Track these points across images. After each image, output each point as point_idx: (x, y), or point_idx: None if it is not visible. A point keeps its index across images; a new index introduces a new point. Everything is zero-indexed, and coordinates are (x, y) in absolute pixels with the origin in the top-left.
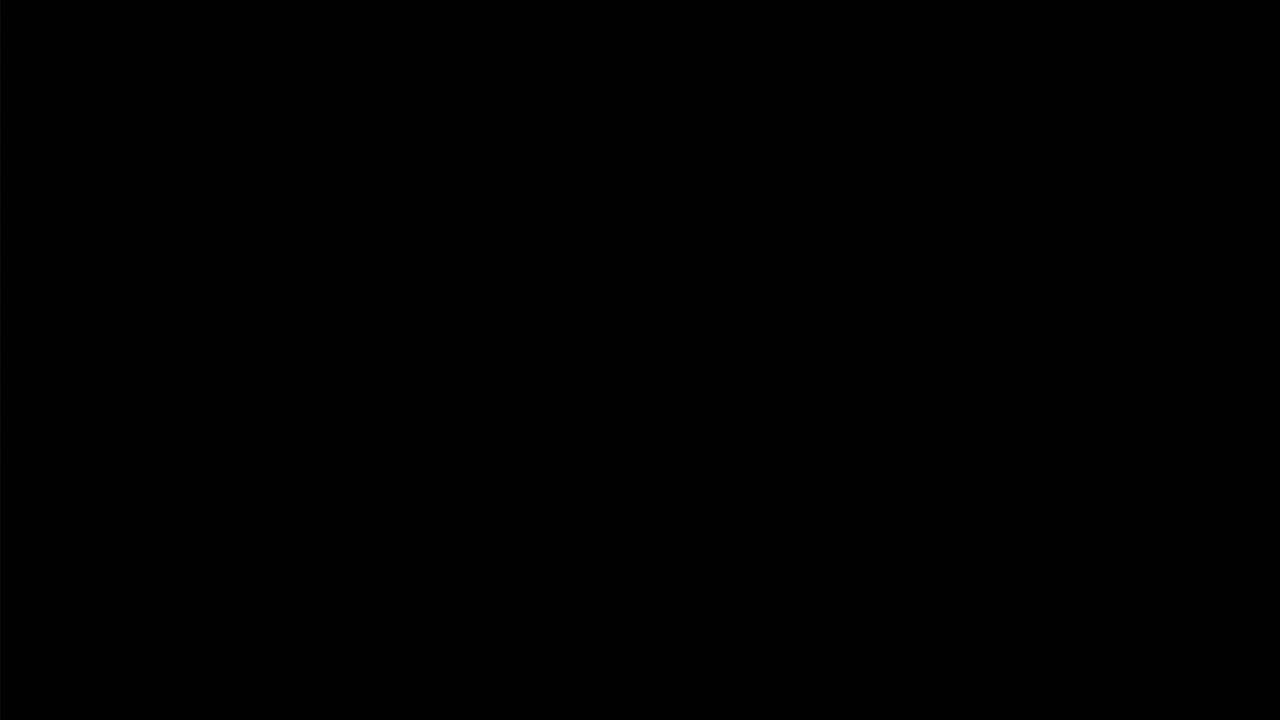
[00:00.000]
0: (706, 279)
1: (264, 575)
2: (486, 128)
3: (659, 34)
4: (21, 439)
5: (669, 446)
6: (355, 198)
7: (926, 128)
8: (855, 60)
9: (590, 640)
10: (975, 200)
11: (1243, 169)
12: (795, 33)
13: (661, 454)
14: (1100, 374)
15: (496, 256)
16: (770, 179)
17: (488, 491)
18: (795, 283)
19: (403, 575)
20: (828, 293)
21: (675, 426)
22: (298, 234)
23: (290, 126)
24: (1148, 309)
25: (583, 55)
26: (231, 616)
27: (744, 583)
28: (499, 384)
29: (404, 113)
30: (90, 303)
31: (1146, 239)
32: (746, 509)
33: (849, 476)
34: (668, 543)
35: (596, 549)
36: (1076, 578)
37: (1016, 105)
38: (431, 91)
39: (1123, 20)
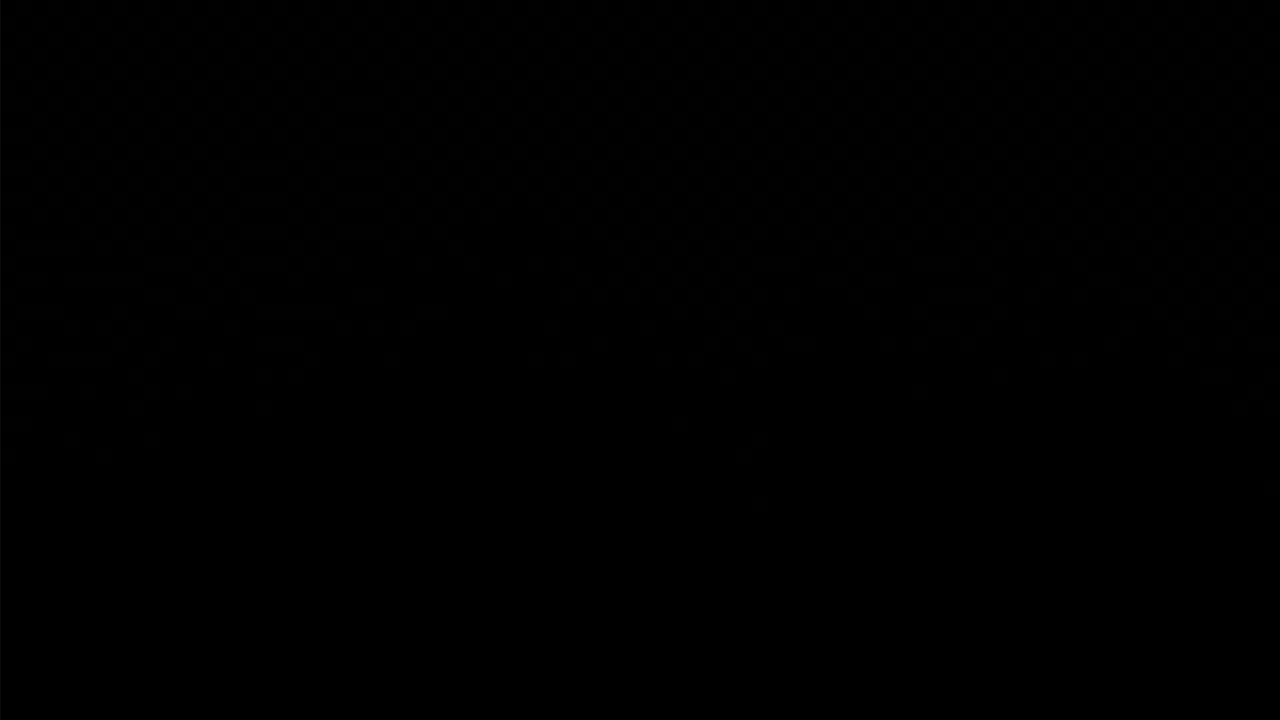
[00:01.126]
0: (706, 279)
1: (264, 575)
2: (486, 128)
3: (659, 34)
4: (21, 439)
5: (669, 446)
6: (355, 198)
7: (926, 128)
8: (855, 60)
9: (590, 640)
10: (975, 200)
11: (1243, 169)
12: (795, 32)
13: (661, 454)
14: (1100, 374)
15: (496, 256)
16: (770, 179)
17: (488, 491)
18: (795, 283)
19: (403, 575)
20: (828, 293)
21: (675, 426)
22: (298, 234)
23: (290, 126)
24: (1148, 309)
25: (582, 55)
26: (231, 616)
27: (744, 583)
28: (499, 384)
29: (404, 113)
30: (90, 303)
31: (1146, 239)
32: (746, 509)
33: (849, 476)
34: (668, 542)
35: (597, 549)
36: (1077, 578)
37: (1016, 105)
38: (431, 91)
39: (1123, 20)
